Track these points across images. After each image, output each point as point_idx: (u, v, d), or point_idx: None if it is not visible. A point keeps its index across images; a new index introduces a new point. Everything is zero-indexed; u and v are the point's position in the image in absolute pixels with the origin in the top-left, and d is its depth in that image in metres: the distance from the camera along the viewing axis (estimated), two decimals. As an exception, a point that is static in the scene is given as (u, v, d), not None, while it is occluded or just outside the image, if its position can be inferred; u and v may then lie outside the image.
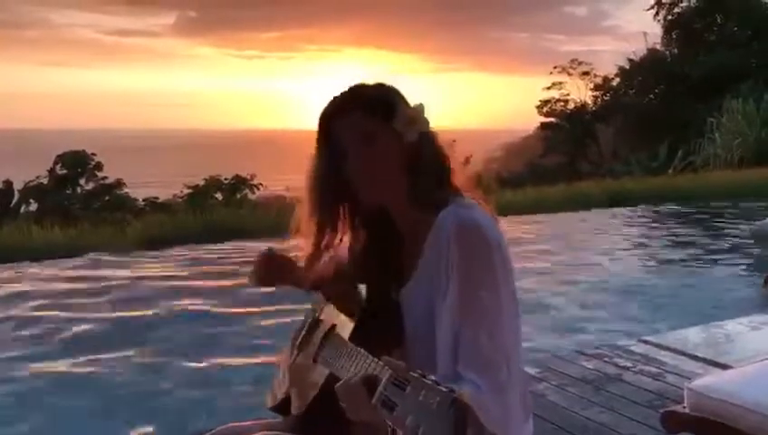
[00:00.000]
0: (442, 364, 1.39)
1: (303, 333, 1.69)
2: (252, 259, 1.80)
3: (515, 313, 1.48)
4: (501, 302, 1.41)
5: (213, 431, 1.70)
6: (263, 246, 1.85)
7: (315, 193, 1.59)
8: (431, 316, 1.45)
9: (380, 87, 1.58)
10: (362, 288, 1.65)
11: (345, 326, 1.57)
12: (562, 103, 30.45)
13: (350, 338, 1.50)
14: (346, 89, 1.58)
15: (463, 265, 1.40)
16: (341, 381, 1.24)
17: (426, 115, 1.55)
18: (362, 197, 1.54)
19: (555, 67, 30.66)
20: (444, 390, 1.02)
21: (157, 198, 16.58)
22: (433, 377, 1.05)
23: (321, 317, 1.70)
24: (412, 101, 1.57)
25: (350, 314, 1.61)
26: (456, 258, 1.41)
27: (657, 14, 28.54)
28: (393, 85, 1.59)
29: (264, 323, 6.24)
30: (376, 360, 1.28)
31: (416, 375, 1.05)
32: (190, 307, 6.98)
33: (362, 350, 1.37)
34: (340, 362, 1.45)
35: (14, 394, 4.94)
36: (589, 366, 4.00)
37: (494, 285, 1.41)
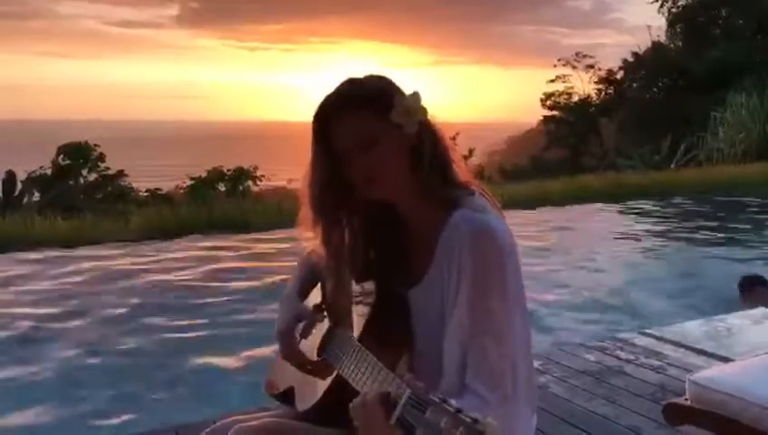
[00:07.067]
0: (448, 372, 1.37)
1: (307, 325, 1.64)
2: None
3: (525, 321, 1.46)
4: (510, 312, 1.38)
5: (215, 425, 1.67)
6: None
7: (318, 199, 1.52)
8: (441, 321, 1.40)
9: (374, 80, 1.50)
10: (371, 284, 1.57)
11: (353, 322, 1.55)
12: (566, 97, 30.41)
13: (358, 337, 1.47)
14: (339, 86, 1.49)
15: (475, 273, 1.36)
16: (356, 400, 1.19)
17: (422, 104, 1.46)
18: (370, 197, 1.48)
19: (559, 60, 30.68)
20: (468, 421, 0.97)
21: (159, 189, 16.60)
22: (454, 402, 1.01)
23: (326, 311, 1.66)
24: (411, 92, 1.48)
25: (354, 307, 1.58)
26: (469, 266, 1.36)
27: (661, 7, 28.49)
28: (385, 75, 1.52)
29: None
30: (383, 368, 1.26)
31: (436, 399, 1.02)
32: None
33: (369, 354, 1.34)
34: (346, 363, 1.43)
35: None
36: (591, 358, 4.00)
37: (505, 295, 1.37)
